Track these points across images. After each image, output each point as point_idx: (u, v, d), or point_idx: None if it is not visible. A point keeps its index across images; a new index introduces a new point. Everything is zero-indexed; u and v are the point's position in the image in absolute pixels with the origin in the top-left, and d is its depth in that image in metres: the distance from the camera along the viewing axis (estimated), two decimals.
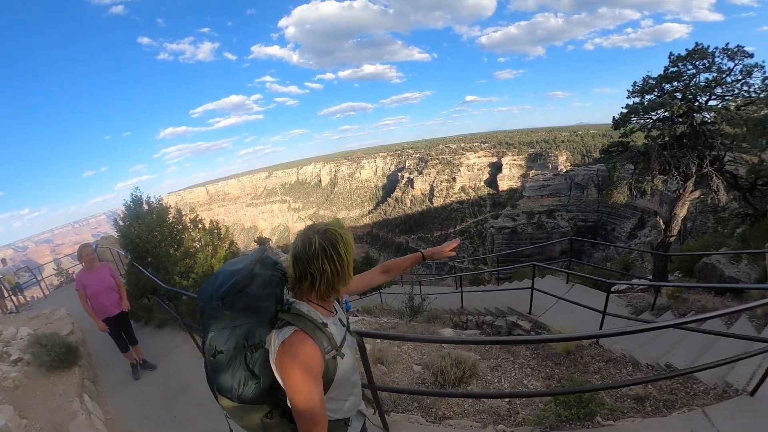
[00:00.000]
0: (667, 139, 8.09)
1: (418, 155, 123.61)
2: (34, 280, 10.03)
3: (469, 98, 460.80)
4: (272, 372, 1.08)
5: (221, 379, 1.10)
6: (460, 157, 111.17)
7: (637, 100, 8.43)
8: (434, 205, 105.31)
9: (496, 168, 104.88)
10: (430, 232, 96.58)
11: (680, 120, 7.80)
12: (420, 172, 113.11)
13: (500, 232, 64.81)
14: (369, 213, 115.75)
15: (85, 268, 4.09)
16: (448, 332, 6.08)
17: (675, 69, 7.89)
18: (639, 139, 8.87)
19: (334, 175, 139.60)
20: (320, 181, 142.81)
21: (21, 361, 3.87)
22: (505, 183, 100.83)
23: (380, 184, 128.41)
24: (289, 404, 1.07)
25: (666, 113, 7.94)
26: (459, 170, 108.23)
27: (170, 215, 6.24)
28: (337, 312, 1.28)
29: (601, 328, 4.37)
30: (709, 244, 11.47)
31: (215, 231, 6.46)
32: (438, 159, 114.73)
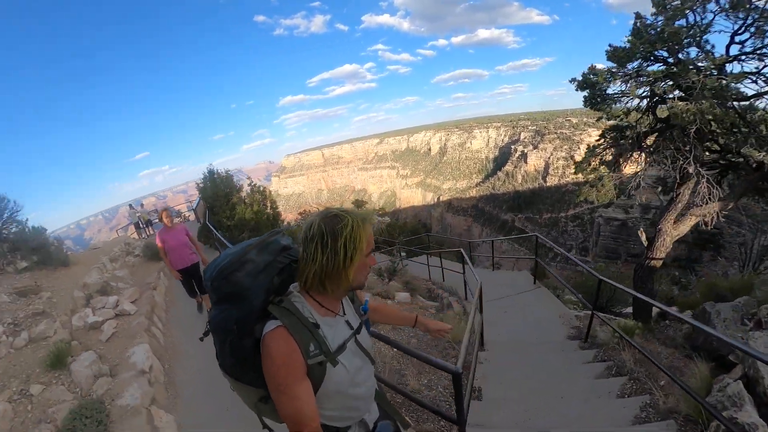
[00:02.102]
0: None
1: (534, 128, 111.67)
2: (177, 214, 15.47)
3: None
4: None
5: (219, 355, 1.07)
6: (581, 133, 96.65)
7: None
8: (547, 184, 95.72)
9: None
10: (539, 213, 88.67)
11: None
12: (535, 147, 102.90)
13: (608, 224, 57.00)
14: (476, 186, 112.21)
15: (165, 227, 4.83)
16: (402, 295, 7.77)
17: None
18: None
19: (444, 144, 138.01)
20: (429, 149, 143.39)
21: (138, 256, 7.51)
22: (629, 168, 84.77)
23: (491, 156, 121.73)
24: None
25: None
26: (579, 147, 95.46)
27: (238, 184, 9.30)
28: (344, 313, 1.17)
29: None
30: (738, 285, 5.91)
31: (259, 193, 9.33)
32: (556, 133, 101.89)
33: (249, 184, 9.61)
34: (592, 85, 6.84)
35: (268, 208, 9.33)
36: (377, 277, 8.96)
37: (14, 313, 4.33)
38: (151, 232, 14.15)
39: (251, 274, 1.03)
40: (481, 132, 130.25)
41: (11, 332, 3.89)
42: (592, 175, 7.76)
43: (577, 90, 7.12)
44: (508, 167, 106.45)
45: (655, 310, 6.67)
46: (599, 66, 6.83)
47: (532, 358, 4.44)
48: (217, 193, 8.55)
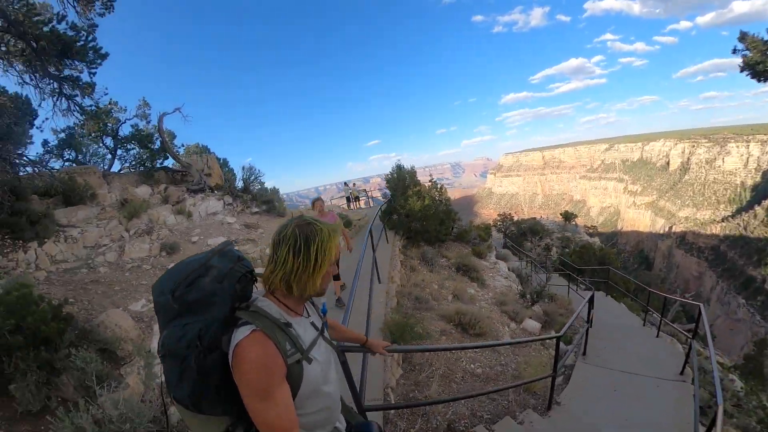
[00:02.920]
0: None
1: None
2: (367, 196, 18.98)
3: None
4: (231, 377, 0.98)
5: (174, 384, 0.99)
6: None
7: None
8: None
9: None
10: None
11: None
12: None
13: None
14: (722, 220, 76.46)
15: (317, 215, 5.00)
16: (531, 323, 7.08)
17: None
18: None
19: (687, 159, 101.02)
20: (668, 163, 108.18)
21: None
22: None
23: (749, 182, 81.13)
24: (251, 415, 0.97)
25: None
26: None
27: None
28: (309, 315, 1.22)
29: None
30: None
31: (436, 190, 10.27)
32: None
33: (430, 180, 10.80)
34: None
35: (443, 205, 10.22)
36: (519, 297, 8.40)
37: (238, 235, 7.42)
38: (358, 206, 17.88)
39: (216, 279, 1.03)
40: (738, 147, 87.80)
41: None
42: None
43: None
44: None
45: None
46: None
47: None
48: (398, 184, 10.12)
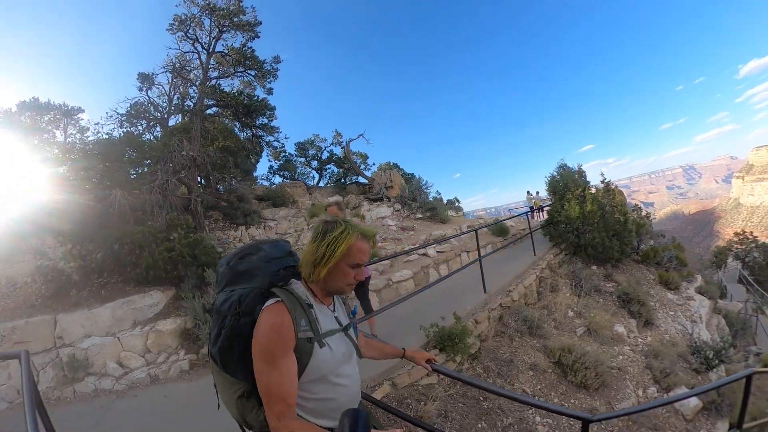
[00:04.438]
0: None
1: None
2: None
3: None
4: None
5: (212, 341, 1.18)
6: None
7: None
8: None
9: None
10: None
11: None
12: None
13: None
14: None
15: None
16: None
17: None
18: None
19: None
20: None
21: (485, 228, 9.53)
22: None
23: None
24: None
25: None
26: None
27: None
28: (334, 309, 1.30)
29: None
30: None
31: (608, 191, 8.22)
32: None
33: (602, 181, 8.50)
34: None
35: (616, 212, 7.91)
36: (691, 352, 5.69)
37: (390, 234, 8.38)
38: (542, 217, 16.15)
39: (262, 259, 1.24)
40: None
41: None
42: None
43: None
44: None
45: None
46: None
47: None
48: (557, 187, 8.51)
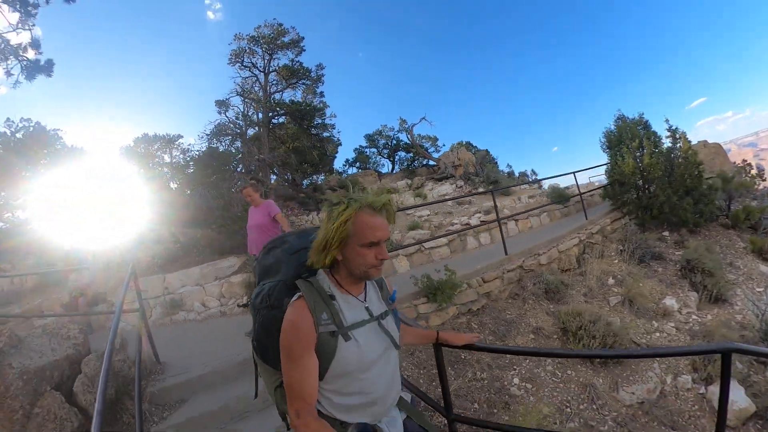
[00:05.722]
0: None
1: None
2: None
3: None
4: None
5: (253, 332, 1.22)
6: None
7: None
8: None
9: None
10: None
11: None
12: None
13: None
14: None
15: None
16: None
17: None
18: None
19: None
20: None
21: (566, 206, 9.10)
22: None
23: None
24: None
25: None
26: None
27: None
28: (365, 298, 1.20)
29: None
30: None
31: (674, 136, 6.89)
32: None
33: (669, 129, 6.90)
34: None
35: (690, 165, 6.40)
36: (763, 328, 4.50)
37: (444, 209, 9.13)
38: None
39: (287, 251, 1.24)
40: None
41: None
42: None
43: None
44: None
45: None
46: None
47: None
48: (612, 140, 7.29)
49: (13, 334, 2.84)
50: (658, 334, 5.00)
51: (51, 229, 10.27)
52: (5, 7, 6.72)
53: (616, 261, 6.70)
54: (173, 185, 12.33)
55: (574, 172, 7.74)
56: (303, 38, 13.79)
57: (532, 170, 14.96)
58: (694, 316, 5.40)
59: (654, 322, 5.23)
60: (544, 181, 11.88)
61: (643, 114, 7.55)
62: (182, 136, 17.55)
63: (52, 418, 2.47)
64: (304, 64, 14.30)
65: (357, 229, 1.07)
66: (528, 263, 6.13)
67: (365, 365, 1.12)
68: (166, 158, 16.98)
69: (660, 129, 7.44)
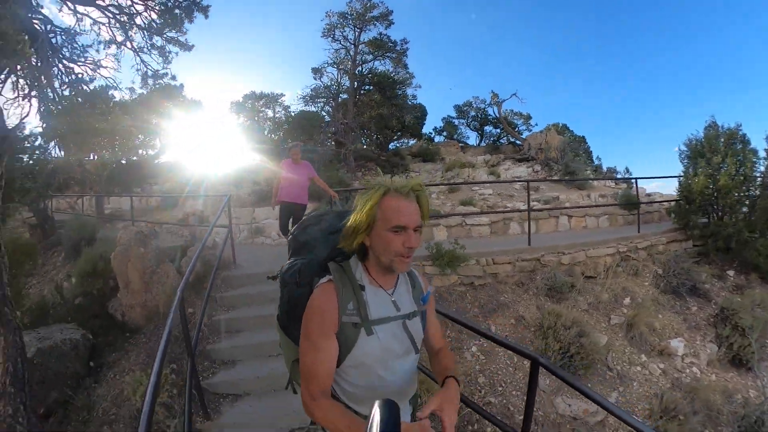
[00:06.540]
0: None
1: None
2: None
3: None
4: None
5: (279, 305, 1.23)
6: None
7: None
8: None
9: None
10: None
11: None
12: None
13: None
14: None
15: (291, 163, 5.42)
16: None
17: None
18: None
19: None
20: None
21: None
22: None
23: None
24: None
25: None
26: None
27: None
28: (393, 293, 1.15)
29: None
30: None
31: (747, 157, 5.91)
32: None
33: None
34: None
35: None
36: None
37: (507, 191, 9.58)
38: None
39: (324, 230, 1.21)
40: None
41: None
42: None
43: None
44: None
45: None
46: None
47: None
48: (695, 153, 6.28)
49: (153, 229, 4.92)
50: (639, 368, 4.71)
51: (174, 165, 13.46)
52: None
53: (647, 284, 6.26)
54: (273, 137, 14.95)
55: (656, 177, 7.25)
56: (392, 12, 14.71)
57: (626, 168, 13.49)
58: (694, 368, 4.88)
59: (644, 356, 4.91)
60: (630, 182, 10.81)
61: (740, 125, 6.46)
62: (284, 95, 20.24)
63: (166, 276, 4.46)
64: (391, 38, 15.31)
65: (383, 213, 1.04)
66: (547, 258, 6.19)
67: (382, 362, 1.09)
68: (269, 113, 19.31)
69: (761, 146, 6.38)
